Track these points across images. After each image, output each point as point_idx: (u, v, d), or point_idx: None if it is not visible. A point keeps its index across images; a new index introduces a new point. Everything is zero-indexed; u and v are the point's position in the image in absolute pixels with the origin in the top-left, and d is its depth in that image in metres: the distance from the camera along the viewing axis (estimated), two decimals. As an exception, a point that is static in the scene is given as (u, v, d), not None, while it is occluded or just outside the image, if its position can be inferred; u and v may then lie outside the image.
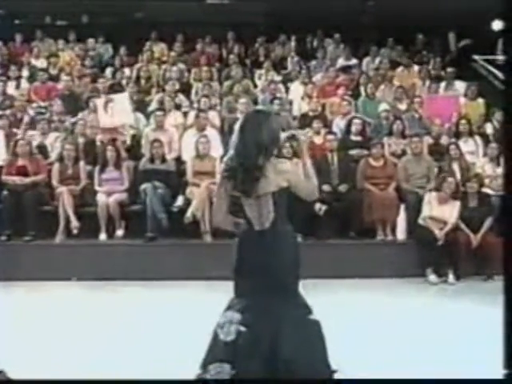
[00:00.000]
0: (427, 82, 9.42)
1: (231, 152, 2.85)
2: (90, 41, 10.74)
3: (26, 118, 7.85)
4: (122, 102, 7.57)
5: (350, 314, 5.09)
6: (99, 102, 7.62)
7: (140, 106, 8.54)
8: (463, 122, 7.88)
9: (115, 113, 7.44)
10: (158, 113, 7.65)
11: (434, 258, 6.30)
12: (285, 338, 2.69)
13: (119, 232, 6.76)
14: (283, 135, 3.00)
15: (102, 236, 6.65)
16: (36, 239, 6.54)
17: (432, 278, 6.24)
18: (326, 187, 6.80)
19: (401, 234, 6.77)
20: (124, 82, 9.32)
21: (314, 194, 2.91)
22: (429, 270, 6.28)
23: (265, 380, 2.69)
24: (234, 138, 2.85)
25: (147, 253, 6.49)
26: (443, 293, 6.03)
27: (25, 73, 9.60)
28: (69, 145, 6.96)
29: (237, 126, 2.91)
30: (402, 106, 8.80)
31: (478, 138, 7.82)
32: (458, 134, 7.82)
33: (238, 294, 2.82)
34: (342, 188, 6.88)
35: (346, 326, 4.60)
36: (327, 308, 5.02)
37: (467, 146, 7.68)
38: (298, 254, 2.84)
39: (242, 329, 2.67)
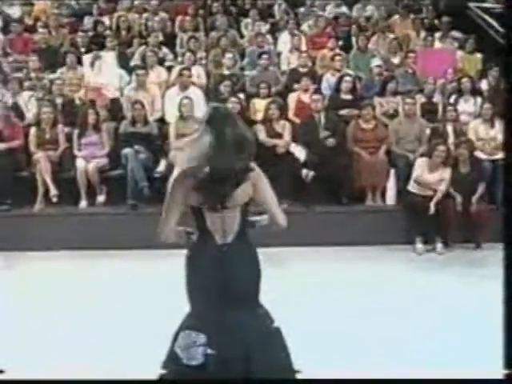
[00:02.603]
0: (422, 34, 9.01)
1: (195, 155, 2.48)
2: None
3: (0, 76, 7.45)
4: (110, 60, 7.22)
5: (332, 284, 5.06)
6: (86, 58, 7.27)
7: (122, 59, 8.14)
8: (465, 79, 7.53)
9: (102, 71, 7.11)
10: (140, 71, 7.30)
11: (423, 225, 6.17)
12: (254, 354, 2.55)
13: (100, 198, 6.56)
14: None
15: (83, 203, 6.46)
16: (13, 208, 6.33)
17: (419, 247, 6.12)
18: (313, 150, 6.60)
19: (390, 199, 6.61)
20: (107, 32, 8.83)
21: (282, 214, 2.64)
22: (417, 238, 6.15)
23: (259, 380, 2.58)
24: (202, 137, 2.50)
25: (129, 221, 6.32)
26: (430, 263, 5.91)
27: (-3, 23, 9.11)
28: (46, 107, 6.63)
29: (203, 124, 2.53)
30: (396, 60, 8.46)
31: (479, 97, 7.47)
32: (459, 93, 7.50)
33: (196, 312, 2.60)
34: (329, 143, 6.63)
35: (327, 297, 4.68)
36: (310, 277, 5.14)
37: (468, 105, 7.40)
38: (259, 266, 2.64)
39: (210, 351, 2.49)
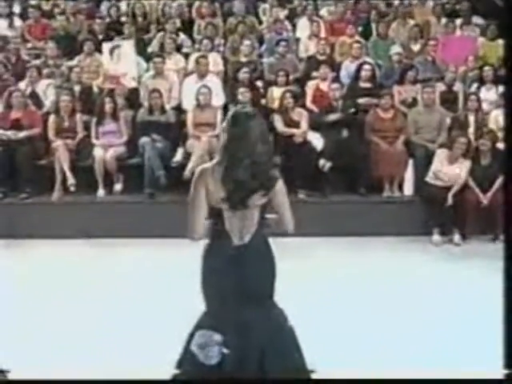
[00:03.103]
0: (443, 20, 8.85)
1: (221, 152, 2.53)
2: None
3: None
4: (129, 49, 7.21)
5: (348, 274, 5.06)
6: (105, 46, 7.27)
7: (139, 46, 8.11)
8: (487, 68, 7.39)
9: (121, 60, 7.11)
10: (157, 59, 7.27)
11: (440, 217, 6.10)
12: (269, 353, 2.56)
13: (117, 186, 6.59)
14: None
15: (100, 192, 6.48)
16: (32, 196, 6.38)
17: (436, 238, 6.07)
18: (331, 137, 6.56)
19: (408, 190, 6.55)
20: (124, 19, 8.81)
21: (292, 221, 2.65)
22: (434, 229, 6.10)
23: (263, 380, 2.60)
24: (227, 135, 2.53)
25: (146, 209, 6.34)
26: (447, 255, 5.86)
27: (16, 8, 9.10)
28: (65, 96, 6.64)
29: (228, 126, 2.56)
30: (416, 47, 8.33)
31: (500, 86, 7.27)
32: (481, 81, 7.37)
33: (211, 311, 2.62)
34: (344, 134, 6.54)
35: (343, 287, 4.70)
36: (326, 267, 5.15)
37: (490, 94, 7.27)
38: (274, 266, 2.66)
39: (226, 351, 2.51)
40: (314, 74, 7.63)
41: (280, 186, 2.59)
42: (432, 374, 3.13)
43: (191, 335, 2.61)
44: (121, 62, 7.14)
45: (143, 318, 4.16)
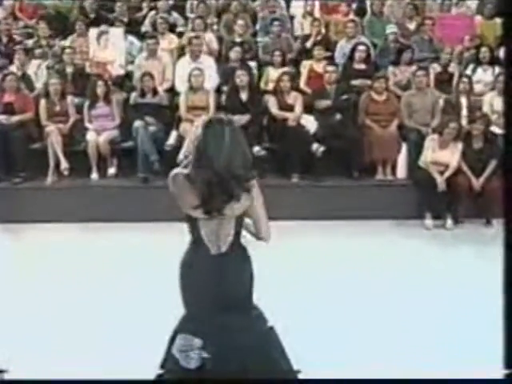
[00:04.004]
0: (439, -4, 8.74)
1: (196, 157, 2.45)
2: None
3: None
4: (117, 37, 7.12)
5: (341, 258, 5.12)
6: (92, 31, 7.17)
7: (131, 25, 8.03)
8: (484, 49, 7.32)
9: (108, 47, 7.04)
10: (150, 41, 7.19)
11: (433, 201, 6.13)
12: (250, 355, 2.60)
13: (111, 170, 6.60)
14: None
15: (94, 175, 6.49)
16: (26, 180, 6.39)
17: (429, 222, 6.11)
18: (324, 121, 6.55)
19: (401, 173, 6.57)
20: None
21: (269, 231, 2.61)
22: (427, 214, 6.13)
23: (257, 380, 2.64)
24: (202, 139, 2.47)
25: (140, 193, 6.36)
26: (439, 239, 5.91)
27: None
28: (54, 79, 6.59)
29: (201, 133, 2.48)
30: (412, 26, 8.25)
31: (497, 67, 7.24)
32: (477, 62, 7.32)
33: (190, 315, 2.62)
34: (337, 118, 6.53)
35: (335, 271, 4.73)
36: (319, 251, 5.20)
37: (486, 75, 7.23)
38: (252, 275, 2.65)
39: (206, 355, 2.52)
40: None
41: (257, 196, 2.54)
42: (432, 373, 3.14)
43: (172, 338, 2.64)
44: (108, 49, 7.06)
45: (138, 302, 4.20)
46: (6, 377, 3.02)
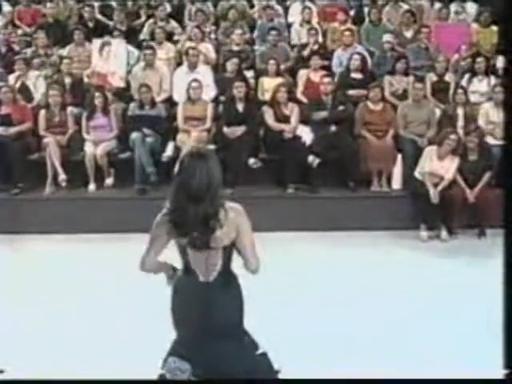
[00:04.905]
0: (436, 5, 8.75)
1: (176, 191, 2.51)
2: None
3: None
4: (119, 49, 7.17)
5: (336, 269, 5.16)
6: (95, 42, 7.22)
7: (130, 33, 8.07)
8: (480, 59, 7.33)
9: (110, 58, 7.09)
10: (148, 51, 7.22)
11: (428, 213, 6.16)
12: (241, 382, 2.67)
13: (108, 181, 6.65)
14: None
15: (91, 186, 6.54)
16: (24, 191, 6.43)
17: (423, 234, 6.15)
18: (320, 131, 6.58)
19: (396, 184, 6.60)
20: (113, 3, 8.72)
21: (258, 262, 2.66)
22: (422, 225, 6.17)
23: (251, 380, 2.71)
24: (180, 174, 2.54)
25: (137, 204, 6.37)
26: (434, 251, 5.93)
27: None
28: (54, 90, 6.63)
29: (181, 164, 2.56)
30: (409, 34, 8.27)
31: (493, 77, 7.28)
32: (473, 72, 7.33)
33: (181, 340, 2.70)
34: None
35: (330, 282, 4.79)
36: (314, 262, 5.24)
37: (481, 85, 7.25)
38: (241, 302, 2.71)
39: (194, 379, 2.62)
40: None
41: (242, 225, 2.58)
42: (432, 374, 3.19)
43: (164, 360, 2.71)
44: (110, 60, 7.11)
45: (136, 312, 4.29)
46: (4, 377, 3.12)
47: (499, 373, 2.60)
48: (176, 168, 2.64)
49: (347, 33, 7.82)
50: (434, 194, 6.02)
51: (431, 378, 2.96)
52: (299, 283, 4.81)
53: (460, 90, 6.84)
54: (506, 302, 2.62)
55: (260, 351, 2.78)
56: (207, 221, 2.50)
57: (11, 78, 7.08)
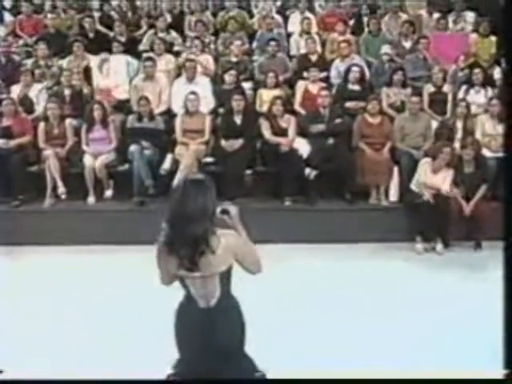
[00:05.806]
0: (435, 15, 8.78)
1: (169, 219, 2.59)
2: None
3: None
4: (119, 65, 7.24)
5: (332, 281, 5.20)
6: (94, 61, 7.30)
7: (129, 45, 8.11)
8: (477, 71, 7.35)
9: (110, 74, 7.17)
10: (148, 63, 7.26)
11: (423, 225, 6.20)
12: None
13: (107, 193, 6.71)
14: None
15: (91, 199, 6.60)
16: (24, 203, 6.50)
17: (419, 246, 6.19)
18: (317, 144, 6.62)
19: (394, 197, 6.64)
20: (113, 13, 8.79)
21: (260, 265, 2.75)
22: (417, 237, 6.21)
23: (254, 380, 2.79)
24: (172, 203, 2.62)
25: (135, 217, 6.43)
26: (430, 262, 5.98)
27: (7, 2, 9.06)
28: (53, 103, 6.69)
29: (174, 191, 2.68)
30: (407, 44, 8.30)
31: (490, 89, 7.32)
32: (470, 83, 7.34)
33: (183, 360, 2.79)
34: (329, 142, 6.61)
35: (327, 294, 4.84)
36: (311, 274, 5.29)
37: (478, 96, 7.28)
38: (243, 321, 2.78)
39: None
40: (305, 74, 7.59)
41: (237, 246, 2.65)
42: (432, 374, 3.25)
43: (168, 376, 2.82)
44: (110, 76, 7.19)
45: (134, 323, 4.36)
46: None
47: (499, 373, 2.64)
48: (172, 188, 2.71)
49: (343, 44, 7.83)
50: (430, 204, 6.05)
51: (431, 378, 3.01)
52: (296, 295, 4.85)
53: (462, 103, 6.86)
54: (506, 302, 2.68)
55: (259, 373, 2.86)
56: (195, 242, 2.56)
57: (15, 89, 7.13)
